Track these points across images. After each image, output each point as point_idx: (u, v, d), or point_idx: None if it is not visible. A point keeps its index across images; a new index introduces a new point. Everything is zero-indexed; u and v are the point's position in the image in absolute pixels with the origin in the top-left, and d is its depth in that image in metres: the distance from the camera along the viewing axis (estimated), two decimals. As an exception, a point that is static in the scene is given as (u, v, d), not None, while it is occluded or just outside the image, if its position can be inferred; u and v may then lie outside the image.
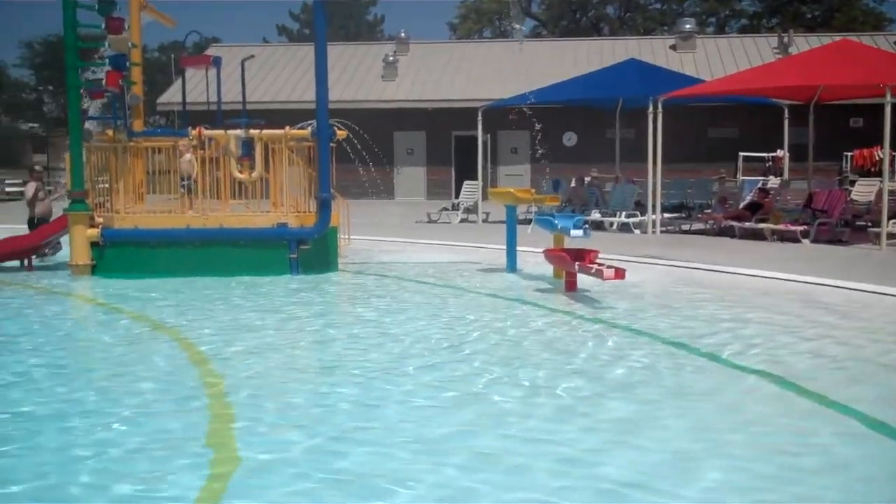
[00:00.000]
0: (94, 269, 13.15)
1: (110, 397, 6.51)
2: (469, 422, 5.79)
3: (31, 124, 79.33)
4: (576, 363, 7.40)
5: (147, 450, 5.26)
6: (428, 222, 23.01)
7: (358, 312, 10.35)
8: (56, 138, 53.43)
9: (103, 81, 13.56)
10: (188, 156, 13.50)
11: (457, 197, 26.41)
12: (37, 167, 15.63)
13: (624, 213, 20.34)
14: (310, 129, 13.57)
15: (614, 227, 20.16)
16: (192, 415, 6.06)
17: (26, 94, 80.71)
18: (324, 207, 13.28)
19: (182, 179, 13.61)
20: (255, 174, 13.64)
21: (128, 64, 13.89)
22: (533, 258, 13.33)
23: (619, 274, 10.28)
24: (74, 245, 13.18)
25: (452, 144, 34.97)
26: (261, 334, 8.83)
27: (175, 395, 6.52)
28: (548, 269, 12.33)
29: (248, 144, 13.44)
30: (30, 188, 15.85)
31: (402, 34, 39.83)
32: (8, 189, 36.86)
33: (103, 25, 13.45)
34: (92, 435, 5.56)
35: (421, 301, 10.98)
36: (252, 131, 13.51)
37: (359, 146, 17.84)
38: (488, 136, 29.51)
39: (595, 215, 20.48)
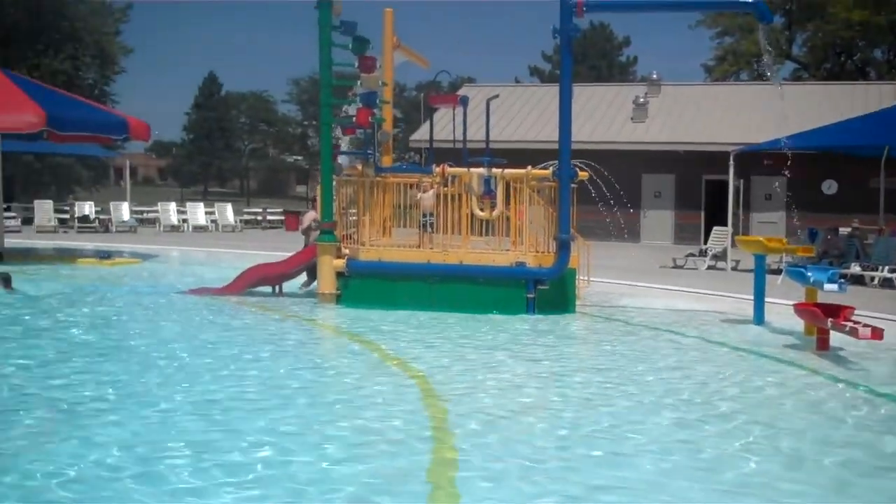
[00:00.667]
0: (339, 299, 13.59)
1: (338, 424, 6.62)
2: (728, 485, 5.46)
3: (295, 157, 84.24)
4: (843, 431, 6.87)
5: (367, 483, 5.27)
6: (673, 267, 22.36)
7: (598, 357, 10.15)
8: (317, 171, 56.38)
9: (355, 118, 14.07)
10: (430, 192, 13.77)
11: (705, 243, 25.57)
12: (315, 196, 16.32)
13: (887, 268, 18.95)
14: (552, 169, 13.50)
15: (876, 282, 18.82)
16: (416, 449, 6.05)
17: (293, 129, 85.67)
18: (563, 248, 13.15)
19: (423, 216, 13.89)
20: (495, 212, 13.70)
21: (378, 102, 14.35)
22: (782, 311, 12.58)
23: (877, 334, 9.49)
24: (322, 274, 13.70)
25: (703, 188, 33.98)
26: (495, 373, 8.77)
27: (402, 429, 6.54)
28: (797, 323, 11.58)
29: (490, 183, 13.53)
30: (307, 218, 16.34)
31: (654, 75, 39.24)
32: (270, 217, 39.08)
33: (356, 64, 13.97)
34: (315, 466, 5.65)
35: (664, 350, 10.56)
36: (494, 170, 13.60)
37: (603, 187, 17.59)
38: (741, 180, 28.43)
39: (854, 269, 19.21)
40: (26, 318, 11.74)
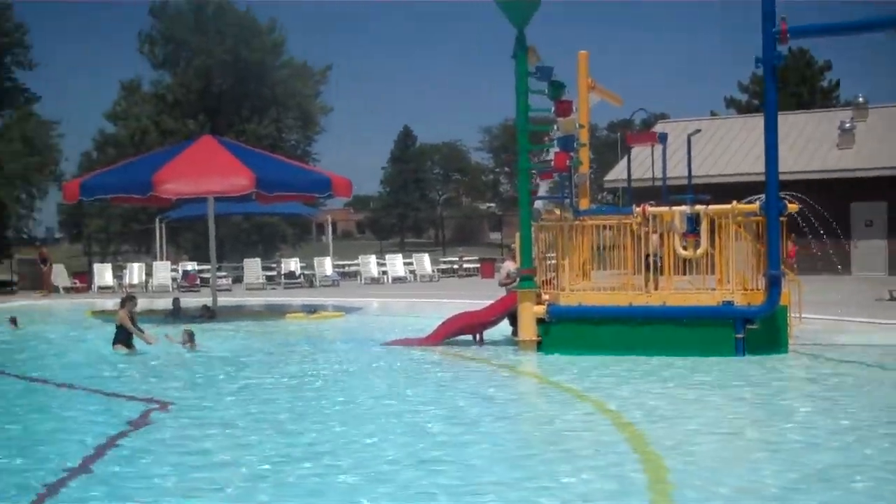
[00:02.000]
0: (540, 345, 13.40)
1: (546, 474, 6.44)
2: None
3: (488, 204, 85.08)
4: None
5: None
6: (889, 300, 21.01)
7: (816, 399, 9.52)
8: (510, 217, 56.57)
9: (552, 162, 13.96)
10: (656, 235, 13.46)
11: (924, 272, 23.94)
12: (512, 245, 16.29)
13: None
14: (758, 203, 12.92)
15: None
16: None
17: (485, 177, 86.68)
18: (773, 285, 12.52)
19: (648, 256, 13.51)
20: (699, 250, 13.22)
21: (575, 145, 14.19)
22: None
23: None
24: (522, 321, 13.57)
25: (919, 215, 31.95)
26: (709, 422, 8.39)
27: (613, 483, 6.29)
28: None
29: (693, 220, 13.09)
30: (504, 269, 16.26)
31: (860, 98, 37.36)
32: (466, 265, 39.40)
33: (553, 109, 13.88)
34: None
35: (887, 389, 9.83)
36: (698, 207, 13.15)
37: (812, 218, 16.74)
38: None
39: None
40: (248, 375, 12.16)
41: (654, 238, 13.55)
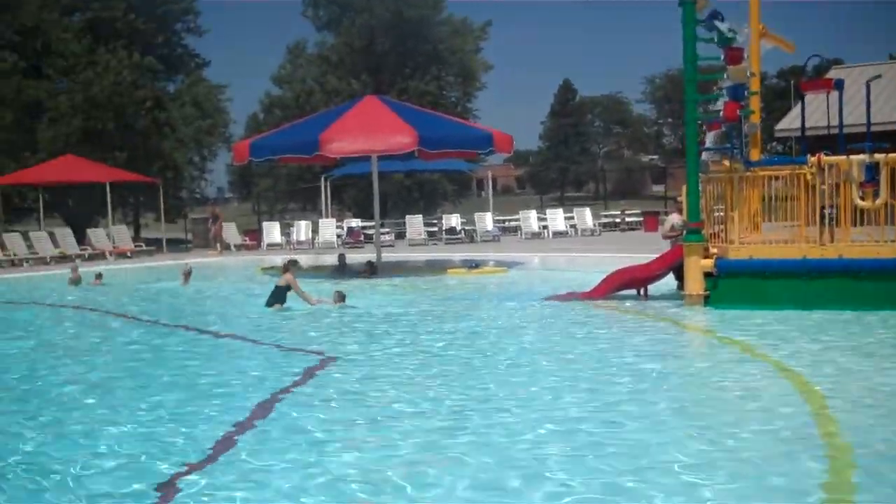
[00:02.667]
0: (707, 300, 13.06)
1: (726, 433, 6.27)
2: None
3: (650, 157, 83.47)
4: None
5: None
6: None
7: None
8: (674, 170, 55.27)
9: (720, 113, 13.49)
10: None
11: None
12: (678, 198, 15.90)
13: None
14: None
15: None
16: (803, 467, 5.60)
17: (647, 128, 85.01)
18: (959, 236, 11.80)
19: (823, 207, 12.95)
20: (878, 201, 12.55)
21: (746, 94, 13.66)
22: None
23: None
24: (689, 275, 13.24)
25: None
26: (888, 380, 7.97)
27: (787, 447, 6.07)
28: None
29: (872, 169, 12.42)
30: (668, 222, 15.92)
31: None
32: (628, 219, 38.82)
33: (722, 57, 13.38)
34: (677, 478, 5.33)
35: None
36: (878, 156, 12.47)
37: None
38: None
39: None
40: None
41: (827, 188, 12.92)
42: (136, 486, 5.61)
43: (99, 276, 20.26)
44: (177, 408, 7.64)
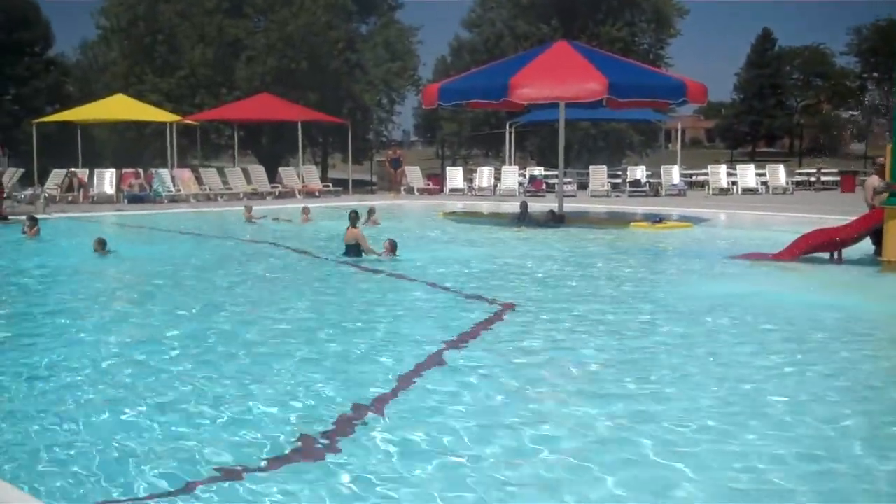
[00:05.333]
0: (908, 267, 12.30)
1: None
2: None
3: (851, 112, 79.25)
4: None
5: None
6: None
7: None
8: (877, 127, 52.27)
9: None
10: None
11: None
12: (879, 159, 14.99)
13: None
14: None
15: None
16: None
17: (850, 82, 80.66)
18: None
19: None
20: None
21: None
22: None
23: None
24: (889, 240, 12.48)
25: None
26: None
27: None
28: None
29: None
30: (869, 184, 15.08)
31: None
32: (824, 178, 37.04)
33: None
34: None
35: None
36: None
37: None
38: None
39: None
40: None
41: None
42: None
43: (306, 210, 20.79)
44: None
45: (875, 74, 74.12)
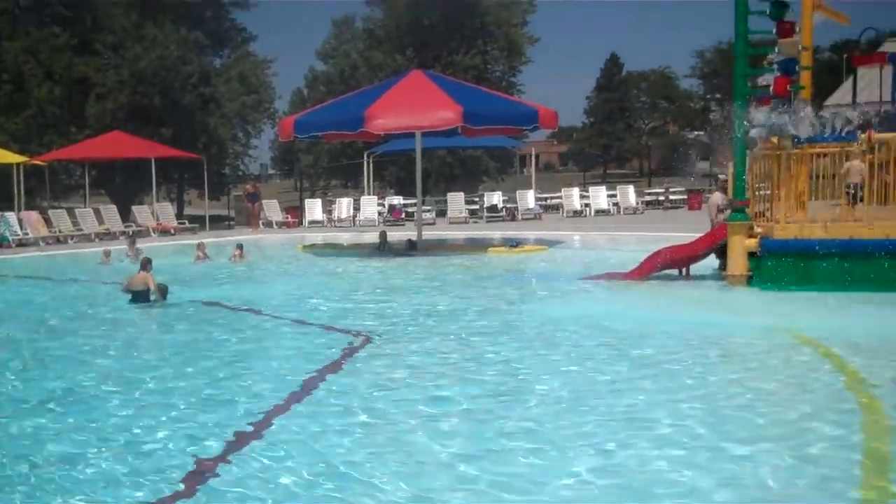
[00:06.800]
0: (750, 280, 12.83)
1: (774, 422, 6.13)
2: None
3: (697, 133, 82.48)
4: None
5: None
6: None
7: None
8: (720, 146, 54.53)
9: (771, 88, 13.19)
10: (856, 162, 12.64)
11: None
12: (721, 176, 15.67)
13: None
14: None
15: None
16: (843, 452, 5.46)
17: (694, 104, 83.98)
18: None
19: (848, 187, 12.74)
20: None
21: (797, 68, 13.35)
22: None
23: None
24: (733, 255, 13.01)
25: None
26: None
27: (826, 429, 5.93)
28: None
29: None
30: (713, 201, 15.73)
31: None
32: (672, 197, 38.40)
33: (774, 30, 13.06)
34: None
35: None
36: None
37: None
38: None
39: None
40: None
41: (856, 165, 12.68)
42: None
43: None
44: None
45: (717, 95, 77.39)
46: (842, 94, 32.49)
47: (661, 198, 38.74)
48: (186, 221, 34.01)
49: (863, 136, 12.52)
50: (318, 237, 26.34)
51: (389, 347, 9.26)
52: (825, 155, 13.45)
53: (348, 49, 47.93)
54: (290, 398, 7.17)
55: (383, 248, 20.63)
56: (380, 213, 33.57)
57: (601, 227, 26.65)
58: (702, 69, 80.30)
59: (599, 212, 34.17)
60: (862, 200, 12.69)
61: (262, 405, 6.95)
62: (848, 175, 12.99)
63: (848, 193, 13.01)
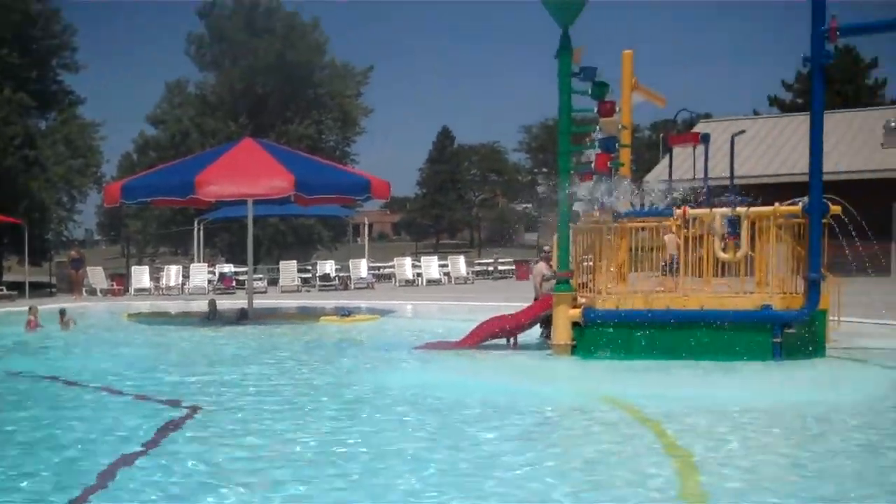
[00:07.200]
0: (574, 350, 13.25)
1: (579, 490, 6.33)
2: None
3: (525, 205, 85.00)
4: None
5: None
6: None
7: (854, 411, 9.24)
8: (547, 218, 56.28)
9: (592, 164, 13.78)
10: (671, 235, 13.32)
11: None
12: (546, 247, 16.19)
13: None
14: (801, 204, 12.70)
15: None
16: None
17: (522, 177, 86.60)
18: (813, 288, 12.36)
19: (663, 260, 13.42)
20: (739, 253, 13.01)
21: (617, 146, 14.02)
22: None
23: None
24: (557, 325, 13.41)
25: (961, 212, 31.47)
26: (738, 427, 8.24)
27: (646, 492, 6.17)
28: None
29: (734, 223, 12.88)
30: (537, 271, 16.18)
31: (905, 98, 36.91)
32: (501, 267, 39.29)
33: (595, 109, 13.70)
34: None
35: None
36: (739, 209, 12.95)
37: (846, 219, 16.44)
38: None
39: None
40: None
41: (670, 239, 13.40)
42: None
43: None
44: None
45: (544, 170, 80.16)
46: (660, 171, 34.19)
47: (491, 268, 39.60)
48: (4, 288, 32.46)
49: (678, 211, 13.22)
50: (144, 305, 25.62)
51: (215, 422, 8.98)
52: (644, 228, 14.12)
53: (180, 114, 47.26)
54: (99, 480, 6.72)
55: (213, 317, 20.27)
56: (210, 281, 32.98)
57: (433, 297, 26.97)
58: (529, 144, 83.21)
59: (431, 281, 34.60)
60: (677, 272, 13.35)
61: (68, 487, 6.54)
62: (664, 248, 13.65)
63: (664, 266, 13.66)
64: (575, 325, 13.27)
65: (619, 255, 14.34)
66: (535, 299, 15.12)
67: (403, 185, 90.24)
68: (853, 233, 14.31)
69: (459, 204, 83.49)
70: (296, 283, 33.32)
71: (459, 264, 36.21)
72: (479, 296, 26.00)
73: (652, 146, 54.39)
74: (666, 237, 13.54)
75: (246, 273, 25.45)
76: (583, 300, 13.59)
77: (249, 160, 19.92)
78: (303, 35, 46.81)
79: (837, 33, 12.19)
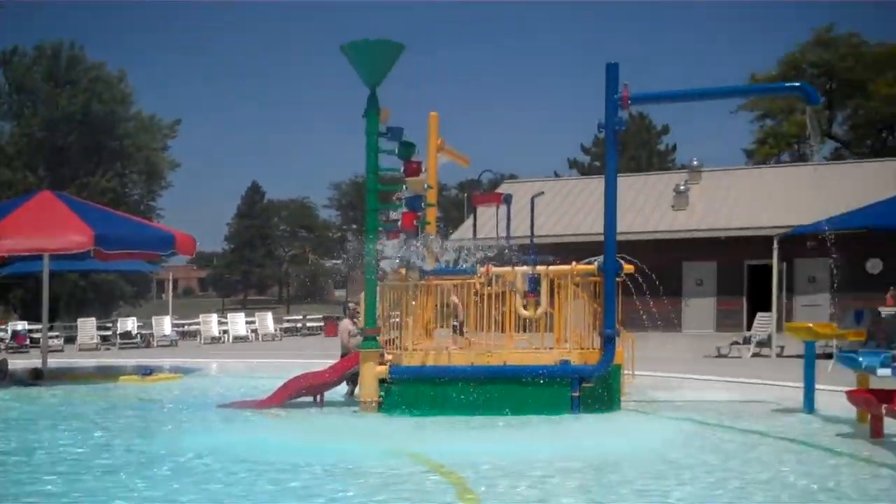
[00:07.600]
0: (381, 406, 13.31)
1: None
2: None
3: (334, 261, 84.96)
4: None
5: None
6: (717, 356, 21.95)
7: (644, 461, 9.63)
8: (356, 275, 56.48)
9: (399, 222, 13.99)
10: (454, 297, 13.75)
11: (748, 329, 25.20)
12: (351, 304, 16.21)
13: (942, 349, 18.38)
14: (596, 264, 13.32)
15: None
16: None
17: (332, 234, 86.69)
18: (608, 343, 12.93)
19: (455, 318, 13.77)
20: (539, 310, 13.47)
21: (423, 205, 14.30)
22: (834, 398, 12.30)
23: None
24: (364, 382, 13.46)
25: (745, 274, 33.60)
26: (534, 476, 8.50)
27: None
28: (851, 410, 11.27)
29: (535, 281, 13.34)
30: (342, 328, 16.17)
31: (695, 162, 39.31)
32: (310, 324, 39.07)
33: (402, 168, 13.94)
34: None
35: (709, 445, 10.26)
36: (539, 268, 13.43)
37: (648, 278, 17.34)
38: (784, 264, 28.03)
39: (907, 351, 18.65)
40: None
41: (454, 300, 13.82)
42: None
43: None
44: None
45: (354, 226, 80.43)
46: (465, 230, 35.00)
47: (300, 324, 39.31)
48: None
49: (482, 269, 13.59)
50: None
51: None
52: (453, 286, 14.42)
53: (-27, 164, 44.95)
54: None
55: (4, 378, 19.20)
56: (1, 340, 31.24)
57: (239, 354, 26.49)
58: (339, 201, 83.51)
59: (238, 338, 33.98)
60: (462, 331, 13.74)
61: None
62: (453, 306, 14.02)
63: (454, 326, 14.02)
64: (382, 381, 13.35)
65: (426, 312, 14.57)
66: (343, 356, 15.14)
67: (211, 240, 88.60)
68: (646, 290, 15.12)
69: (269, 259, 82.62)
70: (95, 340, 32.00)
71: (267, 321, 35.77)
72: (287, 352, 25.75)
73: (458, 205, 55.68)
74: (452, 298, 13.94)
75: (41, 330, 24.27)
76: (389, 357, 13.71)
77: (46, 214, 19.10)
78: (108, 86, 45.57)
79: (629, 101, 12.94)
